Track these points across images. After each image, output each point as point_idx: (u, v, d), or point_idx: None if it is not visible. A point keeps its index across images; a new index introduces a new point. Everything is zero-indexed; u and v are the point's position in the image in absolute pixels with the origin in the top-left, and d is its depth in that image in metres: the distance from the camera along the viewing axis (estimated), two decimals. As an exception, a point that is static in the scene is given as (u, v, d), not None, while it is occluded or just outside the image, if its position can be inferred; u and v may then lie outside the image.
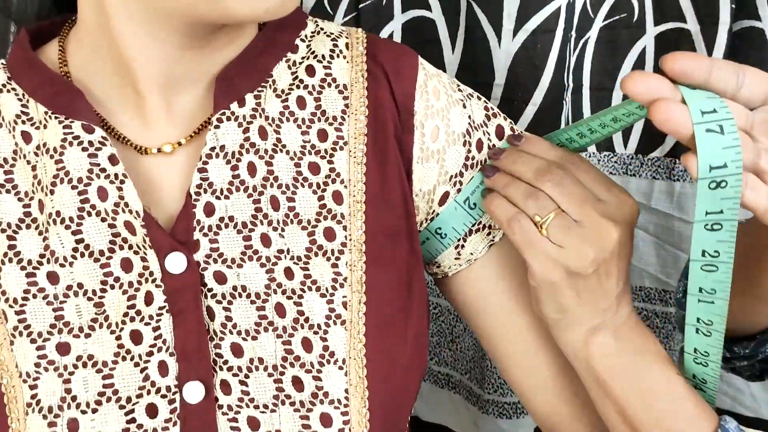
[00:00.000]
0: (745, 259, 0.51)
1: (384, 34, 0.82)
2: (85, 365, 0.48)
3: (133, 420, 0.48)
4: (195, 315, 0.49)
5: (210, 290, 0.49)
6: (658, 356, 0.52)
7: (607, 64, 0.85)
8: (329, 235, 0.51)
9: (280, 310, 0.50)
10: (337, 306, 0.50)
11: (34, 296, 0.48)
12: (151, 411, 0.48)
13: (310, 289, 0.50)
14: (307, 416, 0.49)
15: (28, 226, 0.49)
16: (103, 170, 0.49)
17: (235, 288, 0.50)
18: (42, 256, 0.49)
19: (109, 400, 0.48)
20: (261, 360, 0.49)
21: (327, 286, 0.50)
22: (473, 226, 0.56)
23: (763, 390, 0.88)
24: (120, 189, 0.49)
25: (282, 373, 0.49)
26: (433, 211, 0.56)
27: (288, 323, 0.50)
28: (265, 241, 0.50)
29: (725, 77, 0.43)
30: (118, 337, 0.48)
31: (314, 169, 0.52)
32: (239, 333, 0.49)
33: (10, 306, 0.48)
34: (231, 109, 0.51)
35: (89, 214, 0.49)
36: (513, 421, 0.91)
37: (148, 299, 0.49)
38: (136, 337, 0.49)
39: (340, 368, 0.50)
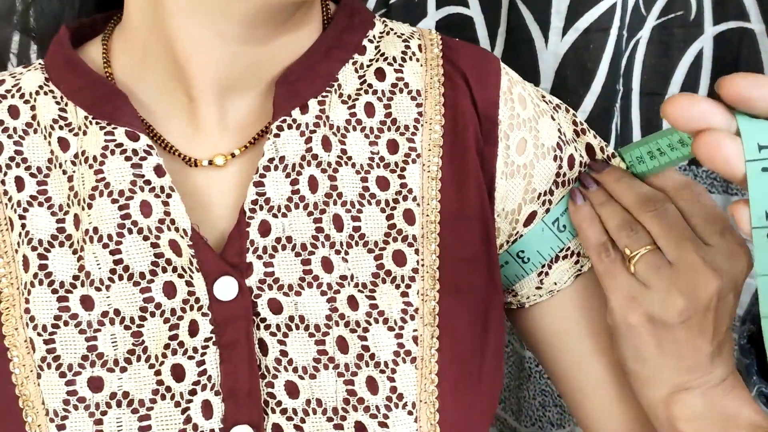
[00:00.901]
0: None
1: (416, 33, 0.74)
2: (119, 404, 0.43)
3: None
4: (245, 348, 0.43)
5: (263, 320, 0.43)
6: (755, 428, 0.45)
7: (660, 67, 0.78)
8: (399, 259, 0.45)
9: (342, 344, 0.44)
10: (407, 341, 0.44)
11: (66, 323, 0.43)
12: None
13: (376, 321, 0.44)
14: None
15: (61, 244, 0.45)
16: (148, 182, 0.44)
17: (291, 319, 0.44)
18: (76, 278, 0.44)
19: None
20: (319, 402, 0.43)
21: (396, 317, 0.44)
22: (560, 251, 0.50)
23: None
24: (166, 204, 0.44)
25: (343, 418, 0.43)
26: (517, 232, 0.50)
27: (351, 360, 0.44)
28: (327, 265, 0.44)
29: None
30: (158, 372, 0.43)
31: (383, 184, 0.46)
32: (295, 370, 0.43)
33: (39, 334, 0.43)
34: (293, 116, 0.45)
35: (130, 231, 0.44)
36: (552, 456, 0.83)
37: (193, 329, 0.43)
38: (178, 373, 0.43)
39: (410, 413, 0.43)
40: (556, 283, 0.50)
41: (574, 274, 0.51)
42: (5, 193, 0.45)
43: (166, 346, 0.43)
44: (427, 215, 0.46)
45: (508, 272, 0.51)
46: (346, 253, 0.45)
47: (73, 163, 0.45)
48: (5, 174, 0.45)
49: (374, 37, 0.50)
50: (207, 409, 0.42)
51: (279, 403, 0.43)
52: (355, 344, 0.44)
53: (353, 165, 0.46)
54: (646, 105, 0.79)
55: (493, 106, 0.48)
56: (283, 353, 0.43)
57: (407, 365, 0.44)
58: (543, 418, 0.83)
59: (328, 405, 0.43)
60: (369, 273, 0.45)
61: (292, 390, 0.43)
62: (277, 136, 0.45)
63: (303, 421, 0.43)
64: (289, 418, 0.43)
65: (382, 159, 0.47)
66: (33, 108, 0.47)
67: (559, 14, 0.69)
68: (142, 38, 0.46)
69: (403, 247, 0.46)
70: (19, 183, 0.45)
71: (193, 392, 0.42)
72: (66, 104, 0.47)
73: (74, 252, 0.44)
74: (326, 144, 0.46)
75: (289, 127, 0.45)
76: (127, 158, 0.44)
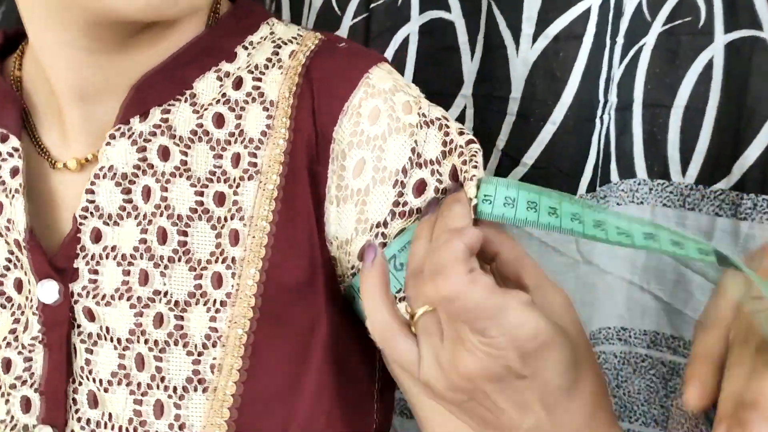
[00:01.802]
0: None
1: (399, 38, 0.73)
2: None
3: None
4: (60, 353, 0.45)
5: (79, 327, 0.45)
6: None
7: (666, 77, 0.72)
8: (217, 281, 0.44)
9: (139, 362, 0.44)
10: (204, 369, 0.43)
11: None
12: None
13: (176, 343, 0.43)
14: None
15: None
16: (2, 183, 0.47)
17: (102, 329, 0.45)
18: None
19: None
20: (111, 417, 0.44)
21: (198, 342, 0.43)
22: (398, 292, 0.45)
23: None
24: (12, 205, 0.46)
25: None
26: (353, 266, 0.46)
27: (145, 380, 0.43)
28: (143, 279, 0.44)
29: None
30: None
31: (220, 200, 0.45)
32: (95, 381, 0.44)
33: None
34: (130, 123, 0.46)
35: None
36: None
37: (26, 327, 0.45)
38: (7, 365, 0.45)
39: None
40: None
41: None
42: None
43: (4, 339, 0.46)
44: (254, 237, 0.44)
45: (357, 308, 0.47)
46: (166, 267, 0.44)
47: None
48: None
49: (251, 43, 0.48)
50: (26, 405, 0.45)
51: (78, 411, 0.44)
52: (150, 364, 0.44)
53: (190, 177, 0.45)
54: (650, 117, 0.73)
55: (331, 122, 0.45)
56: (88, 362, 0.44)
57: (197, 393, 0.43)
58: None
59: (116, 422, 0.44)
60: (185, 292, 0.44)
61: (93, 400, 0.44)
62: (108, 144, 0.45)
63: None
64: (83, 428, 0.44)
65: (224, 173, 0.45)
66: None
67: (529, 21, 0.66)
68: (31, 46, 0.49)
69: (222, 268, 0.44)
70: None
71: (13, 386, 0.45)
72: None
73: None
74: (164, 154, 0.45)
75: (122, 135, 0.45)
76: None
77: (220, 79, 0.47)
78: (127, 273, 0.44)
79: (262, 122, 0.45)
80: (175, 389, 0.43)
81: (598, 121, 0.70)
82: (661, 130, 0.74)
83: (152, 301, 0.44)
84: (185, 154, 0.46)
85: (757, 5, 0.68)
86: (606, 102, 0.70)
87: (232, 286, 0.44)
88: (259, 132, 0.45)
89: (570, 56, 0.66)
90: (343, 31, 0.74)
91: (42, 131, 0.50)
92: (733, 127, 0.70)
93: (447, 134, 0.46)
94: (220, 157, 0.45)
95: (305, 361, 0.44)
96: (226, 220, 0.45)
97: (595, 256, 0.77)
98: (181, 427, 0.43)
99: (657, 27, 0.72)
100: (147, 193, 0.45)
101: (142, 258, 0.44)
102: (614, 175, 0.76)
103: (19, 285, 0.46)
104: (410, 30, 0.73)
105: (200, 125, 0.46)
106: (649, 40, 0.72)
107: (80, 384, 0.45)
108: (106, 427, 0.44)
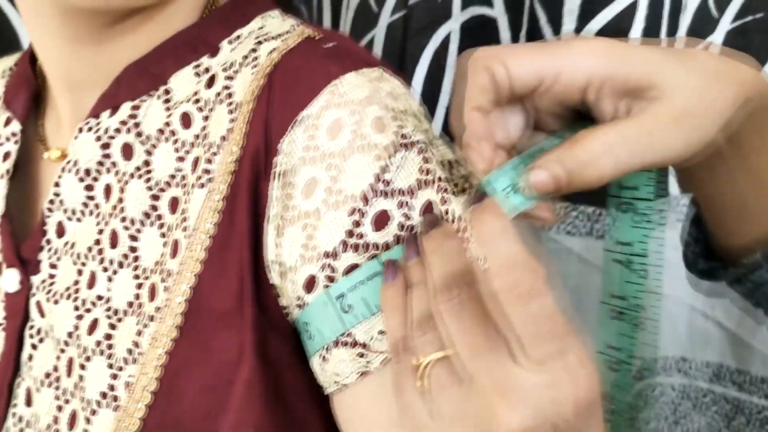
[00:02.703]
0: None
1: (439, 36, 0.70)
2: None
3: None
4: (10, 342, 0.44)
5: (31, 320, 0.44)
6: None
7: (735, 79, 0.65)
8: (152, 293, 0.41)
9: (69, 367, 0.42)
10: (120, 385, 0.40)
11: None
12: None
13: (102, 353, 0.41)
14: None
15: None
16: None
17: (47, 326, 0.43)
18: None
19: None
20: (37, 419, 0.43)
21: (120, 356, 0.40)
22: (342, 336, 0.38)
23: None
24: None
25: None
26: (299, 297, 0.39)
27: (69, 386, 0.42)
28: (91, 281, 0.42)
29: None
30: None
31: (173, 206, 0.42)
32: (33, 379, 0.43)
33: None
34: (100, 118, 0.44)
35: None
36: None
37: None
38: None
39: None
40: (338, 375, 0.39)
41: (358, 371, 0.38)
42: None
43: None
44: (192, 251, 0.40)
45: (304, 344, 0.41)
46: (114, 273, 0.42)
47: None
48: None
49: (238, 37, 0.44)
50: None
51: (15, 406, 0.44)
52: (75, 371, 0.41)
53: (149, 180, 0.42)
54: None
55: (280, 131, 0.39)
56: (31, 358, 0.43)
57: (108, 410, 0.40)
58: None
59: (40, 424, 0.42)
60: (125, 300, 0.41)
61: (28, 398, 0.43)
62: (76, 138, 0.44)
63: (22, 430, 0.43)
64: (15, 424, 0.43)
65: (183, 178, 0.42)
66: None
67: (571, 14, 0.61)
68: None
69: (157, 280, 0.41)
70: None
71: None
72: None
73: None
74: (127, 152, 0.43)
75: (89, 129, 0.44)
76: None
77: (198, 75, 0.43)
78: (79, 273, 0.43)
79: (225, 126, 0.41)
80: (89, 402, 0.41)
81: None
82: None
83: (93, 305, 0.42)
84: (149, 153, 0.43)
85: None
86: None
87: (162, 301, 0.40)
88: (219, 136, 0.41)
89: (615, 53, 0.60)
90: (380, 29, 0.71)
91: (46, 119, 0.50)
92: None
93: (427, 161, 0.39)
94: (183, 160, 0.42)
95: (226, 398, 0.39)
96: (174, 228, 0.41)
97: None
98: None
99: (725, 24, 0.65)
100: (107, 191, 0.43)
101: (93, 259, 0.43)
102: (674, 187, 0.69)
103: None
104: (451, 28, 0.69)
105: (168, 124, 0.43)
106: (717, 38, 0.65)
107: (22, 378, 0.44)
108: (30, 426, 0.43)
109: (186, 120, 0.43)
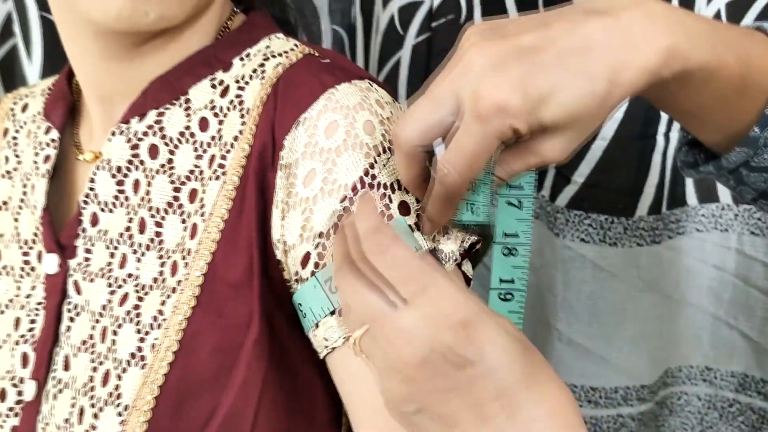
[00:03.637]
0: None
1: (462, 55, 0.73)
2: None
3: None
4: (50, 317, 0.51)
5: (69, 297, 0.51)
6: None
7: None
8: (174, 269, 0.48)
9: (103, 335, 0.49)
10: (146, 346, 0.47)
11: None
12: (2, 395, 0.52)
13: (131, 320, 0.48)
14: None
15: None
16: (38, 167, 0.55)
17: (84, 302, 0.50)
18: None
19: None
20: (74, 380, 0.49)
21: (147, 322, 0.47)
22: (332, 314, 0.45)
23: None
24: (37, 187, 0.54)
25: (75, 400, 0.49)
26: (297, 273, 0.46)
27: (102, 350, 0.48)
28: (122, 262, 0.50)
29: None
30: (1, 320, 0.53)
31: (192, 197, 0.49)
32: (71, 347, 0.50)
33: None
34: (130, 123, 0.51)
35: (27, 204, 0.54)
36: None
37: (32, 292, 0.53)
38: (17, 324, 0.53)
39: (119, 414, 0.46)
40: (326, 340, 0.45)
41: (343, 336, 0.44)
42: None
43: (21, 301, 0.53)
44: (209, 232, 0.47)
45: (301, 320, 0.47)
46: (143, 254, 0.49)
47: (8, 146, 0.58)
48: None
49: (248, 55, 0.52)
50: (24, 360, 0.51)
51: (54, 370, 0.50)
52: (108, 337, 0.48)
53: (171, 175, 0.49)
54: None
55: (285, 130, 0.46)
56: (69, 329, 0.50)
57: (136, 369, 0.46)
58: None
59: (77, 384, 0.49)
60: (151, 277, 0.48)
61: (66, 364, 0.50)
62: (109, 140, 0.51)
63: (60, 392, 0.49)
64: (54, 386, 0.50)
65: (201, 173, 0.49)
66: (27, 105, 0.60)
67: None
68: None
69: (179, 258, 0.48)
70: None
71: (17, 342, 0.52)
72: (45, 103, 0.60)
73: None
74: (153, 152, 0.50)
75: (121, 133, 0.51)
76: (35, 147, 0.55)
77: (214, 86, 0.51)
78: (111, 255, 0.49)
79: (237, 128, 0.49)
80: (120, 362, 0.47)
81: (661, 137, 0.65)
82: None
83: (124, 282, 0.49)
84: (172, 153, 0.50)
85: None
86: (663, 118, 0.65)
87: (183, 275, 0.47)
88: (232, 137, 0.49)
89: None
90: (406, 51, 0.76)
91: (80, 128, 0.57)
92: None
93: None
94: (201, 157, 0.49)
95: (237, 357, 0.46)
96: (192, 215, 0.48)
97: (669, 285, 0.71)
98: (118, 396, 0.47)
99: (739, 36, 0.65)
100: (136, 185, 0.50)
101: (124, 243, 0.49)
102: (692, 198, 0.70)
103: (39, 256, 0.53)
104: (473, 47, 0.73)
105: (188, 128, 0.50)
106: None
107: (60, 348, 0.51)
108: (67, 388, 0.49)
109: (204, 124, 0.50)
